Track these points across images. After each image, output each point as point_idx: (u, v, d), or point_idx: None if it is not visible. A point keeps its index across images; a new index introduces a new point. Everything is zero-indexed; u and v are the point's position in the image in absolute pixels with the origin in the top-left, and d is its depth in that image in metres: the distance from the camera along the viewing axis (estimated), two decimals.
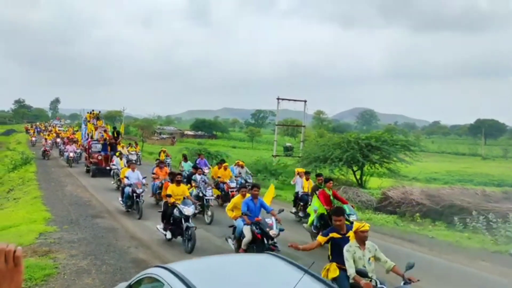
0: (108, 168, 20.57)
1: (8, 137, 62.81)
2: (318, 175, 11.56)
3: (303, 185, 13.01)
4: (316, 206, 9.61)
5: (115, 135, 24.10)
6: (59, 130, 52.63)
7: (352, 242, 5.22)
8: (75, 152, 27.56)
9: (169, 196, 9.88)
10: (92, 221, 11.97)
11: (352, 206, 9.75)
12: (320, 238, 5.83)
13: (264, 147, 62.97)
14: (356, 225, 5.24)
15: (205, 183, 13.13)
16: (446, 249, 9.99)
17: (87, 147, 24.14)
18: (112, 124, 37.43)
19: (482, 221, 11.12)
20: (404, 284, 4.80)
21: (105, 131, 25.11)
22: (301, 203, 12.70)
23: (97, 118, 26.95)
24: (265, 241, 7.67)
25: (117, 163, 18.62)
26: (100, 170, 21.67)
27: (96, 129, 25.16)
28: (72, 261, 8.37)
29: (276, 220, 7.91)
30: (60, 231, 10.79)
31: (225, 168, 14.92)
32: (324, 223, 9.38)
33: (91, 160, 22.71)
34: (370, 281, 4.89)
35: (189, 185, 12.86)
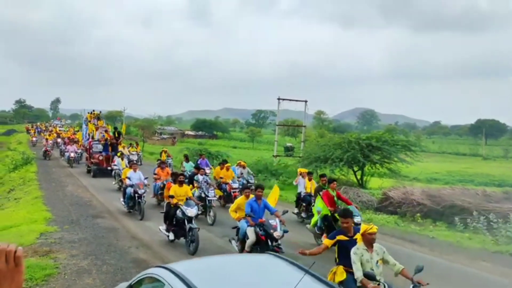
0: (109, 168, 20.57)
1: (9, 137, 62.88)
2: (321, 175, 11.45)
3: (305, 185, 12.92)
4: (319, 207, 9.52)
5: (116, 135, 24.09)
6: (59, 130, 52.70)
7: (360, 244, 5.09)
8: (76, 152, 27.58)
9: (172, 197, 9.74)
10: (92, 221, 11.98)
11: (356, 207, 9.64)
12: (327, 241, 5.70)
13: (264, 147, 62.96)
14: (363, 227, 5.13)
15: (207, 183, 13.04)
16: (447, 250, 9.98)
17: (88, 147, 24.14)
18: (112, 124, 37.44)
19: (483, 221, 11.11)
20: (413, 287, 4.69)
21: (106, 131, 25.11)
22: (304, 204, 12.63)
23: (98, 118, 26.95)
24: (269, 243, 7.59)
25: (119, 163, 18.58)
26: (101, 170, 21.67)
27: (97, 129, 25.16)
28: (72, 261, 8.38)
29: (280, 221, 7.82)
30: (61, 231, 10.80)
31: (227, 169, 14.85)
32: (328, 224, 9.35)
33: (92, 160, 22.71)
34: (378, 284, 4.78)
35: (191, 185, 12.83)
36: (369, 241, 5.04)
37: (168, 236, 9.80)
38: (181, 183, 10.17)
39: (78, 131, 41.34)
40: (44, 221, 11.82)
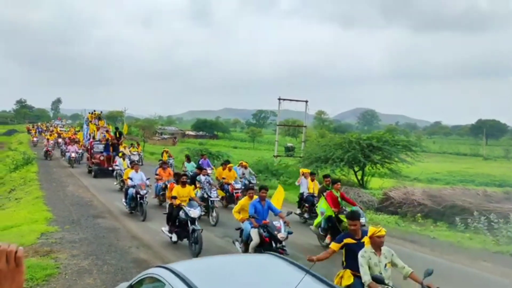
0: (110, 168, 20.55)
1: (9, 137, 62.93)
2: (325, 176, 11.34)
3: (308, 186, 12.82)
4: (323, 208, 9.42)
5: (117, 135, 24.08)
6: (60, 130, 52.73)
7: (367, 247, 4.93)
8: (77, 153, 27.58)
9: (175, 197, 9.58)
10: (93, 221, 11.98)
11: (360, 208, 9.53)
12: (334, 246, 5.53)
13: (265, 147, 62.92)
14: (371, 229, 4.95)
15: (210, 184, 12.94)
16: (448, 250, 9.97)
17: (89, 147, 24.13)
18: (113, 125, 37.47)
19: (484, 221, 11.10)
20: None
21: (107, 131, 25.11)
22: (306, 204, 12.53)
23: (99, 118, 26.97)
24: (273, 245, 7.49)
25: (120, 163, 18.50)
26: (102, 170, 21.64)
27: (98, 129, 25.15)
28: (73, 261, 8.38)
29: (285, 222, 7.72)
30: (62, 231, 10.80)
31: (230, 169, 14.75)
32: (331, 226, 9.29)
33: (93, 160, 22.68)
34: None
35: (193, 186, 12.75)
36: (377, 244, 4.89)
37: (171, 237, 9.66)
38: (184, 184, 10.03)
39: (79, 131, 41.36)
40: (45, 221, 11.83)
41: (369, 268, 4.79)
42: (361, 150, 18.15)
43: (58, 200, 15.30)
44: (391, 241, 10.53)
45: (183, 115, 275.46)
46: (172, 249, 9.51)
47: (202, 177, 13.09)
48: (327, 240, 9.47)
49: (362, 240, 5.16)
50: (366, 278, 4.73)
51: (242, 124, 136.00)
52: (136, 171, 13.41)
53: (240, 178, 15.15)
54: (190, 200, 9.75)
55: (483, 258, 9.26)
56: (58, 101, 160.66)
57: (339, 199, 9.63)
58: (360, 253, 4.92)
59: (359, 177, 19.84)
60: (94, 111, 27.74)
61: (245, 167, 16.22)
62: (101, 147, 23.16)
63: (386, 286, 4.66)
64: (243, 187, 14.23)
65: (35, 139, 46.99)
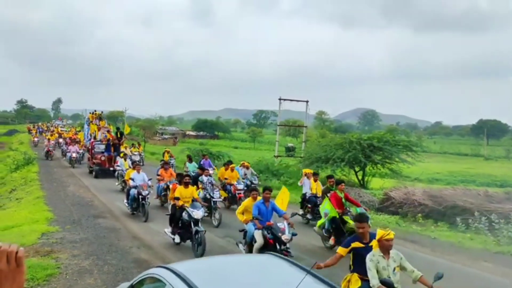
0: (111, 169, 20.53)
1: (10, 137, 62.99)
2: (329, 176, 11.25)
3: (311, 186, 12.73)
4: (327, 210, 9.33)
5: (119, 135, 24.07)
6: (61, 130, 52.75)
7: (375, 250, 4.80)
8: (78, 153, 27.58)
9: (178, 198, 9.45)
10: (94, 221, 11.99)
11: (365, 209, 9.42)
12: (341, 250, 5.34)
13: (266, 147, 62.91)
14: (380, 232, 4.80)
15: (212, 184, 12.85)
16: (449, 250, 9.96)
17: (90, 147, 24.12)
18: (114, 125, 37.47)
19: (485, 221, 11.09)
20: None
21: (108, 131, 25.10)
22: (309, 205, 12.46)
23: (100, 118, 26.97)
24: (278, 247, 7.38)
25: (122, 164, 18.41)
26: (103, 171, 21.63)
27: (99, 129, 25.13)
28: (74, 261, 8.39)
29: (289, 224, 7.63)
30: (62, 231, 10.81)
31: (232, 170, 14.68)
32: (336, 227, 9.23)
33: (94, 160, 22.66)
34: None
35: (195, 186, 12.67)
36: (385, 247, 4.75)
37: (173, 239, 9.56)
38: (186, 185, 9.87)
39: (79, 131, 41.39)
40: (46, 221, 11.83)
41: (377, 272, 4.68)
42: (361, 150, 18.15)
43: (59, 200, 15.31)
44: None
45: (183, 115, 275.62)
46: (173, 250, 9.51)
47: (204, 178, 13.01)
48: (331, 241, 9.42)
49: (370, 244, 5.01)
50: (374, 282, 4.62)
51: (242, 124, 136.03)
52: (138, 172, 13.35)
53: (243, 178, 15.07)
54: (193, 201, 9.62)
55: (484, 258, 9.25)
56: (58, 101, 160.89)
57: (343, 200, 9.50)
58: (368, 257, 4.81)
59: (360, 177, 19.84)
60: (95, 111, 27.73)
61: (247, 168, 16.14)
62: (102, 147, 23.14)
63: None
64: (245, 188, 14.19)
65: (35, 139, 47.02)
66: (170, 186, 12.34)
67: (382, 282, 4.52)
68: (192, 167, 16.95)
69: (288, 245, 7.49)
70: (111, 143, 22.93)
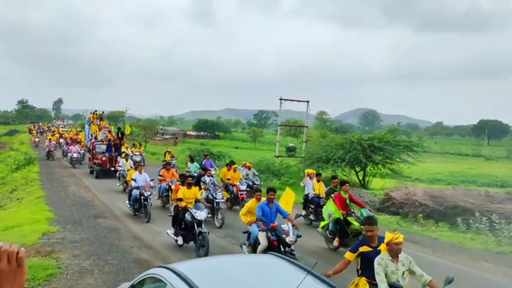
0: (112, 169, 20.49)
1: (11, 138, 63.01)
2: (333, 177, 11.22)
3: (313, 187, 12.67)
4: (331, 211, 9.24)
5: (120, 135, 24.05)
6: (62, 130, 52.79)
7: (384, 254, 4.69)
8: (79, 153, 27.54)
9: (180, 199, 9.32)
10: (95, 222, 11.98)
11: (370, 210, 9.38)
12: (349, 255, 5.24)
13: (266, 147, 62.94)
14: (388, 236, 4.69)
15: (215, 185, 12.76)
16: (449, 250, 9.96)
17: (91, 147, 24.09)
18: (115, 125, 37.48)
19: (485, 222, 11.08)
20: None
21: (109, 131, 25.09)
22: (312, 206, 12.39)
23: (101, 118, 26.97)
24: (282, 248, 7.31)
25: (123, 164, 18.24)
26: (104, 171, 21.60)
27: (100, 129, 25.11)
28: (74, 261, 8.39)
29: (293, 225, 7.55)
30: (63, 231, 10.81)
31: (235, 170, 14.56)
32: (340, 228, 9.17)
33: (95, 161, 22.62)
34: None
35: (197, 187, 12.58)
36: (394, 251, 4.64)
37: (176, 240, 9.47)
38: (189, 185, 9.76)
39: (80, 131, 41.41)
40: (46, 221, 11.84)
41: (386, 276, 4.60)
42: (362, 151, 18.16)
43: (59, 200, 15.32)
44: None
45: (184, 115, 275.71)
46: (174, 250, 9.50)
47: (207, 178, 12.89)
48: (336, 243, 9.37)
49: (379, 248, 4.91)
50: (382, 286, 4.54)
51: (243, 124, 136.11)
52: (140, 172, 13.28)
53: (245, 179, 14.99)
54: (196, 202, 9.53)
55: (484, 258, 9.24)
56: (59, 101, 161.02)
57: (348, 201, 9.44)
58: (376, 260, 4.71)
59: (361, 178, 19.84)
60: (96, 111, 27.73)
61: (249, 168, 16.07)
62: (103, 147, 23.08)
63: None
64: (247, 189, 14.15)
65: (36, 139, 47.04)
66: (172, 187, 12.30)
67: (391, 286, 4.44)
68: (194, 168, 16.89)
69: (292, 247, 7.43)
70: (112, 144, 22.89)
